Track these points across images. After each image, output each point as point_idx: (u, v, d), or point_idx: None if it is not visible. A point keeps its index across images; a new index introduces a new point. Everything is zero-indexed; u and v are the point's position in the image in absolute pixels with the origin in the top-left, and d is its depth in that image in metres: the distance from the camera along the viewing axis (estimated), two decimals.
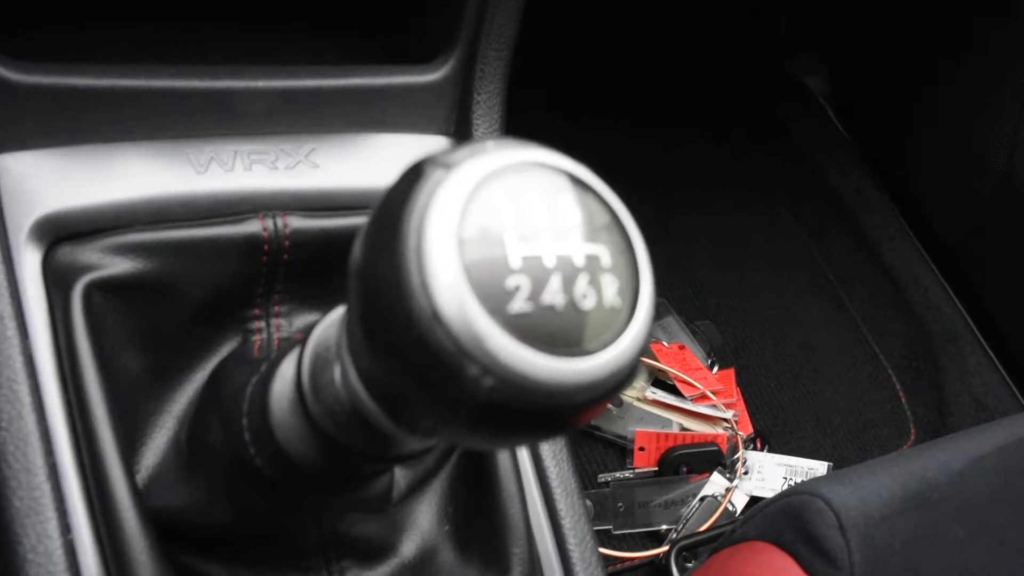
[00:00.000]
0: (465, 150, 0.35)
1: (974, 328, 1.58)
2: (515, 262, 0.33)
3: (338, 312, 0.45)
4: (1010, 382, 1.52)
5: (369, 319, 0.35)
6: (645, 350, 0.37)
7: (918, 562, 0.75)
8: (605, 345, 0.34)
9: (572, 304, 0.34)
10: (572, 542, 0.64)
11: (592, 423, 1.32)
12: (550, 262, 0.33)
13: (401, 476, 0.60)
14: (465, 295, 0.32)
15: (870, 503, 0.76)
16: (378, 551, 0.61)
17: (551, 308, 0.33)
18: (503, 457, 0.63)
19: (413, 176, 0.35)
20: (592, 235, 0.35)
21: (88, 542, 0.52)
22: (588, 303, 0.34)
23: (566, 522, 0.64)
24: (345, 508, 0.58)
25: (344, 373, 0.41)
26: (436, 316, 0.32)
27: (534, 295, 0.33)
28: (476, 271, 0.33)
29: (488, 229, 0.33)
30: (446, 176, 0.34)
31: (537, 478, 0.65)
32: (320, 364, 0.44)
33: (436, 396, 0.34)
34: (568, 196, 0.35)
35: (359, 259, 0.35)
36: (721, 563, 0.81)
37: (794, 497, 0.78)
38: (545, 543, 0.64)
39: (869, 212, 1.74)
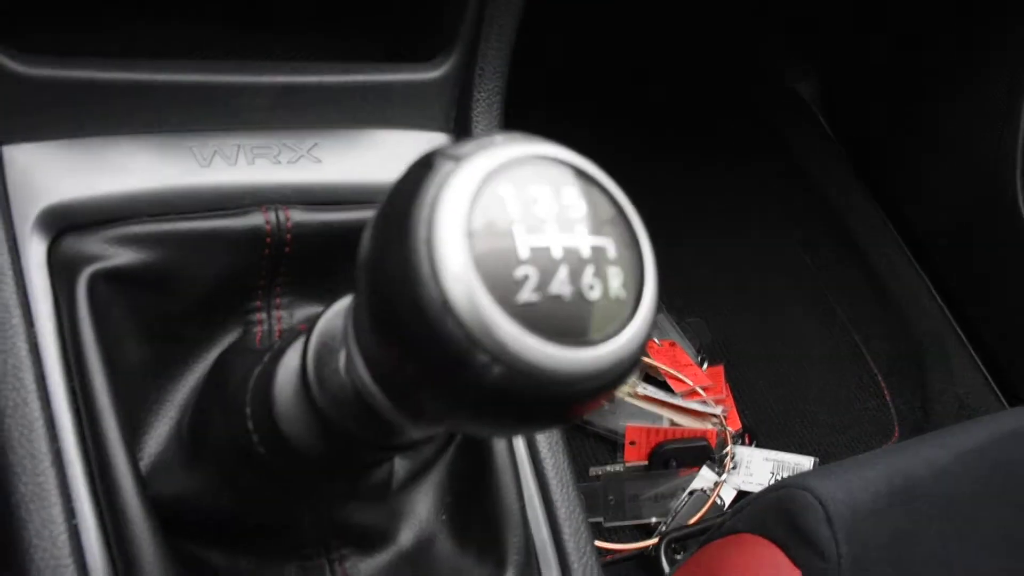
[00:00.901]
0: (474, 143, 0.36)
1: (958, 330, 1.60)
2: (524, 253, 0.33)
3: (343, 302, 0.45)
4: (992, 383, 1.54)
5: (378, 309, 0.36)
6: (648, 342, 0.37)
7: (903, 555, 0.76)
8: (610, 336, 0.35)
9: (579, 294, 0.34)
10: (567, 531, 0.65)
11: (584, 417, 1.33)
12: (557, 253, 0.34)
13: (400, 466, 0.60)
14: (475, 285, 0.33)
15: (857, 497, 0.77)
16: (377, 539, 0.61)
17: (558, 298, 0.34)
18: (500, 448, 0.63)
19: (423, 168, 0.35)
20: (598, 228, 0.35)
21: (92, 527, 0.53)
22: (594, 294, 0.34)
23: (561, 512, 0.65)
24: (345, 496, 0.58)
25: (349, 361, 0.41)
26: (446, 305, 0.33)
27: (542, 285, 0.33)
28: (485, 261, 0.33)
29: (497, 221, 0.34)
30: (456, 169, 0.34)
31: (533, 469, 0.66)
32: (325, 353, 0.45)
33: (444, 384, 0.35)
34: (575, 189, 0.36)
35: (369, 250, 0.36)
36: (710, 555, 0.82)
37: (782, 491, 0.78)
38: (541, 532, 0.65)
39: (857, 216, 1.75)
